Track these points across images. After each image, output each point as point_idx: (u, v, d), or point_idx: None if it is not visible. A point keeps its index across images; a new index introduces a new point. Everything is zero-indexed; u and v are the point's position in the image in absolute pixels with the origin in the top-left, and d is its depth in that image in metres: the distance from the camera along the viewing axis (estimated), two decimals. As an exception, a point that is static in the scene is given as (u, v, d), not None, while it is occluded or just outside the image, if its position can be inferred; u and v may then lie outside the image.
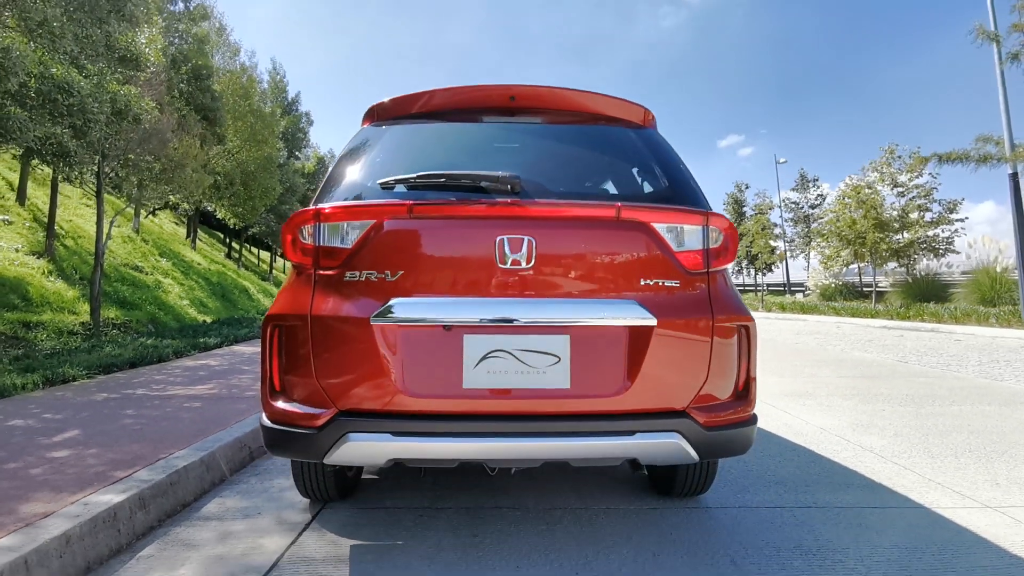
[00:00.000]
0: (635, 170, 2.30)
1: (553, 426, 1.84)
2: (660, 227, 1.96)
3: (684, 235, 1.99)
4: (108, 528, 2.15)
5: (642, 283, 1.93)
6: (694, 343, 1.92)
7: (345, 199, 2.08)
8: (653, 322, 1.86)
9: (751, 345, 2.01)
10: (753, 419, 2.00)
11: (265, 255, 41.56)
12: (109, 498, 2.26)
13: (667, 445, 1.86)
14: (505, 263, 1.88)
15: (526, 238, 1.88)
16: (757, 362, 2.08)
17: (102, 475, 2.56)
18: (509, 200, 1.93)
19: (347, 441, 1.82)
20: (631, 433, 1.84)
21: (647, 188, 2.24)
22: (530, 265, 1.89)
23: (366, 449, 1.84)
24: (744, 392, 1.99)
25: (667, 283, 1.94)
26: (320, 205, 2.02)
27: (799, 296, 30.37)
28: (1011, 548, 2.13)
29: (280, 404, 1.93)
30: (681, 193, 2.13)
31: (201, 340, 8.30)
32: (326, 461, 1.87)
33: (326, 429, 1.84)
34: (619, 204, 1.95)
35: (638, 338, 1.88)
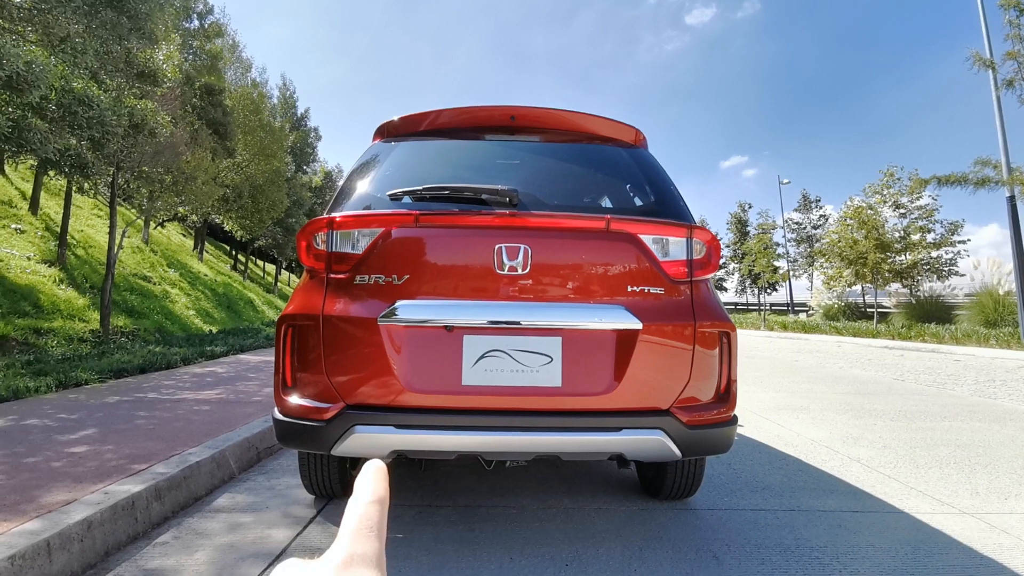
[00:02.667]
0: (626, 186, 2.46)
1: (545, 421, 1.97)
2: (647, 238, 2.11)
3: (669, 246, 2.14)
4: (127, 516, 2.28)
5: (629, 290, 2.07)
6: (677, 347, 2.05)
7: (356, 209, 2.24)
8: (639, 326, 2.00)
9: (732, 350, 2.14)
10: (734, 420, 2.12)
11: (270, 268, 41.79)
12: (128, 488, 2.40)
13: (651, 442, 1.99)
14: (503, 269, 2.03)
15: (522, 247, 2.03)
16: (739, 368, 2.22)
17: (120, 468, 2.69)
18: (507, 211, 2.09)
19: (353, 433, 1.95)
20: (618, 429, 1.97)
21: (636, 202, 2.40)
22: (526, 271, 2.03)
23: (371, 441, 1.97)
24: (725, 394, 2.12)
25: (653, 290, 2.08)
26: (333, 214, 2.18)
27: (802, 316, 30.38)
28: (982, 550, 2.23)
29: (291, 398, 2.06)
30: (667, 207, 2.28)
31: (208, 348, 8.46)
32: (333, 452, 2.00)
33: (334, 422, 1.98)
34: (609, 216, 2.10)
35: (625, 341, 2.02)
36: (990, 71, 11.67)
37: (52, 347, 7.98)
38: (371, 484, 0.35)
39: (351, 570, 0.30)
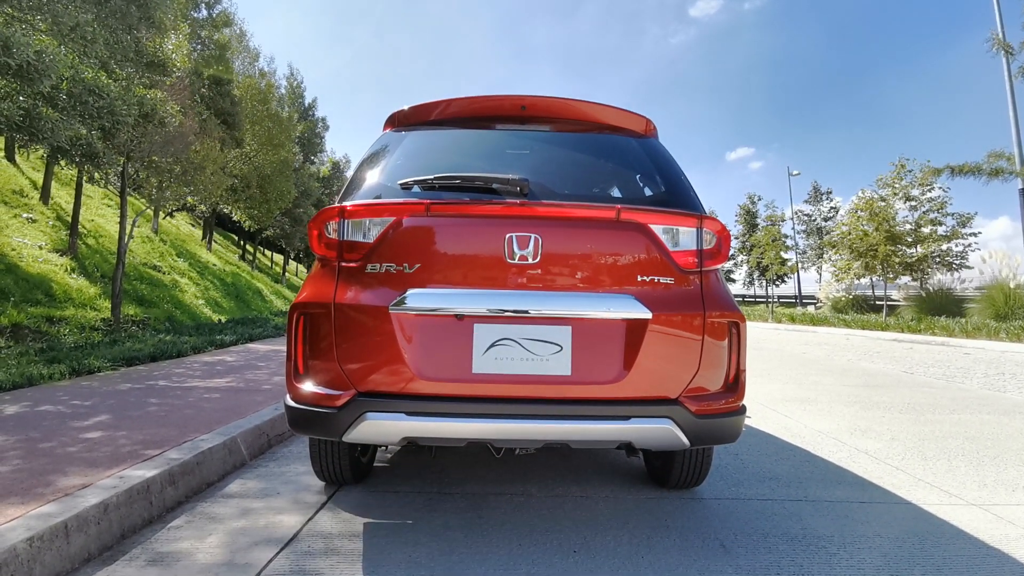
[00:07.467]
0: (636, 175, 2.46)
1: (555, 409, 1.98)
2: (657, 228, 2.11)
3: (679, 236, 2.14)
4: (142, 500, 2.32)
5: (639, 279, 2.08)
6: (686, 336, 2.06)
7: (367, 198, 2.25)
8: (648, 316, 2.01)
9: (741, 340, 2.14)
10: (742, 409, 2.13)
11: (278, 258, 41.93)
12: (142, 473, 2.43)
13: (660, 430, 2.00)
14: (513, 259, 2.04)
15: (533, 236, 2.04)
16: (747, 357, 2.22)
17: (134, 453, 2.74)
18: (518, 201, 2.09)
19: (364, 420, 1.97)
20: (627, 418, 1.98)
21: (647, 192, 2.40)
22: (536, 261, 2.04)
23: (382, 428, 1.99)
24: (734, 384, 2.13)
25: (662, 280, 2.09)
26: (344, 203, 2.19)
27: (810, 308, 30.21)
28: (988, 540, 2.23)
29: (303, 385, 2.09)
30: (678, 197, 2.28)
31: (217, 337, 8.53)
32: (344, 439, 2.02)
33: (346, 409, 2.00)
34: (619, 206, 2.10)
35: (634, 330, 2.03)
36: (1004, 61, 11.51)
37: (64, 335, 8.07)
38: None
39: None
